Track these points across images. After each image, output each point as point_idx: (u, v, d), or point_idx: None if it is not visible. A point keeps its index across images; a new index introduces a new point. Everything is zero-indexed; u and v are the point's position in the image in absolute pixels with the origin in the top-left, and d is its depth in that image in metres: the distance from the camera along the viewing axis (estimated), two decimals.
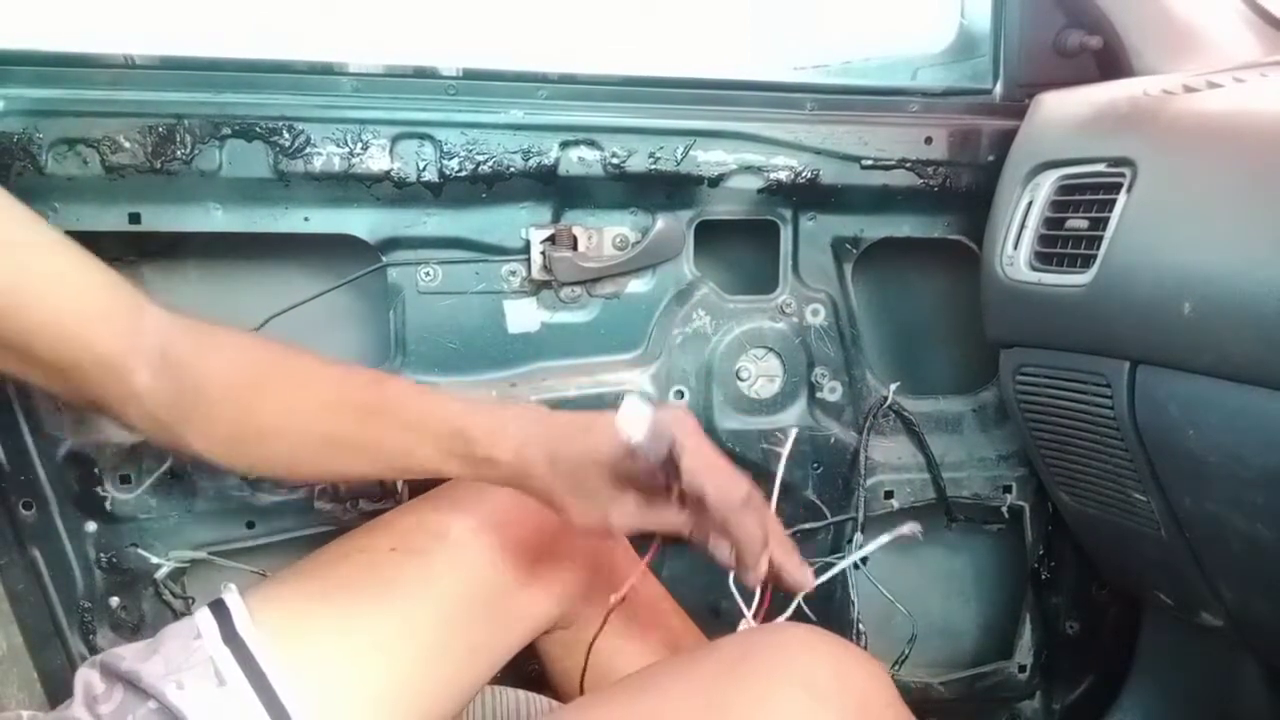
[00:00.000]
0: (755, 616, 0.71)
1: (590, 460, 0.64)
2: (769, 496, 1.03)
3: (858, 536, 1.02)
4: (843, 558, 0.93)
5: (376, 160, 0.88)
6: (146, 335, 0.63)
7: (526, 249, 0.95)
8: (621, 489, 0.64)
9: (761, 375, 1.01)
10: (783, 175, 0.96)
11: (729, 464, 0.64)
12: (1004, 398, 0.99)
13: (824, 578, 0.79)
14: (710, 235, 1.02)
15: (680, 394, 1.00)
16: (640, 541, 0.75)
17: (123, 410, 0.64)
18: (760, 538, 0.63)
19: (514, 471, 0.65)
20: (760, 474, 1.01)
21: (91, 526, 0.90)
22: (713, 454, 0.63)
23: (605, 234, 0.97)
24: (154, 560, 0.91)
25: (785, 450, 0.79)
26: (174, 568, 0.91)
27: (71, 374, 0.62)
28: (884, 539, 0.77)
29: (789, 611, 0.72)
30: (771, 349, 1.01)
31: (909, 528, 0.76)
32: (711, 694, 0.58)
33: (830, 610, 1.00)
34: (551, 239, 0.95)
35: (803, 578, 0.66)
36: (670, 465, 0.62)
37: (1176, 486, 0.80)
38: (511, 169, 0.91)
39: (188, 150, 0.85)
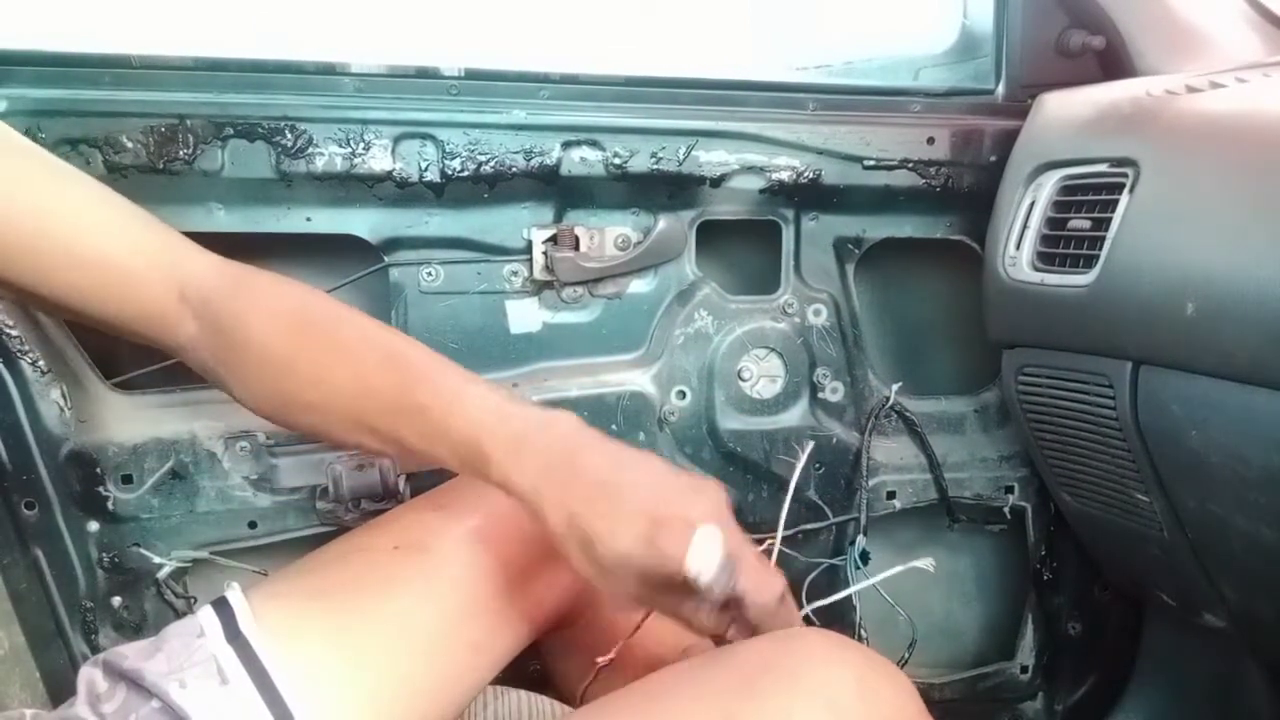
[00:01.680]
0: None
1: (607, 545, 0.58)
2: (777, 500, 1.04)
3: (860, 539, 1.02)
4: (848, 571, 0.93)
5: (379, 160, 0.88)
6: (190, 290, 0.65)
7: (528, 249, 0.95)
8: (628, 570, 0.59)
9: (763, 375, 1.01)
10: (785, 175, 0.96)
11: (768, 565, 0.62)
12: (1006, 398, 0.98)
13: (835, 596, 0.80)
14: (712, 235, 1.02)
15: (682, 394, 1.00)
16: None
17: (182, 355, 0.68)
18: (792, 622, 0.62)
19: (528, 501, 0.61)
20: (762, 474, 1.02)
21: (94, 526, 0.90)
22: (757, 563, 0.60)
23: (607, 234, 0.97)
24: (156, 560, 0.91)
25: (800, 462, 0.79)
26: (176, 567, 0.91)
27: (121, 326, 0.66)
28: (895, 570, 0.77)
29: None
30: (773, 349, 1.01)
31: (924, 563, 0.76)
32: (729, 706, 0.56)
33: (832, 610, 1.00)
34: (553, 239, 0.95)
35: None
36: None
37: (1179, 487, 0.80)
38: (513, 169, 0.91)
39: (190, 150, 0.85)
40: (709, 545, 0.56)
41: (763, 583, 0.59)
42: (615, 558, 0.58)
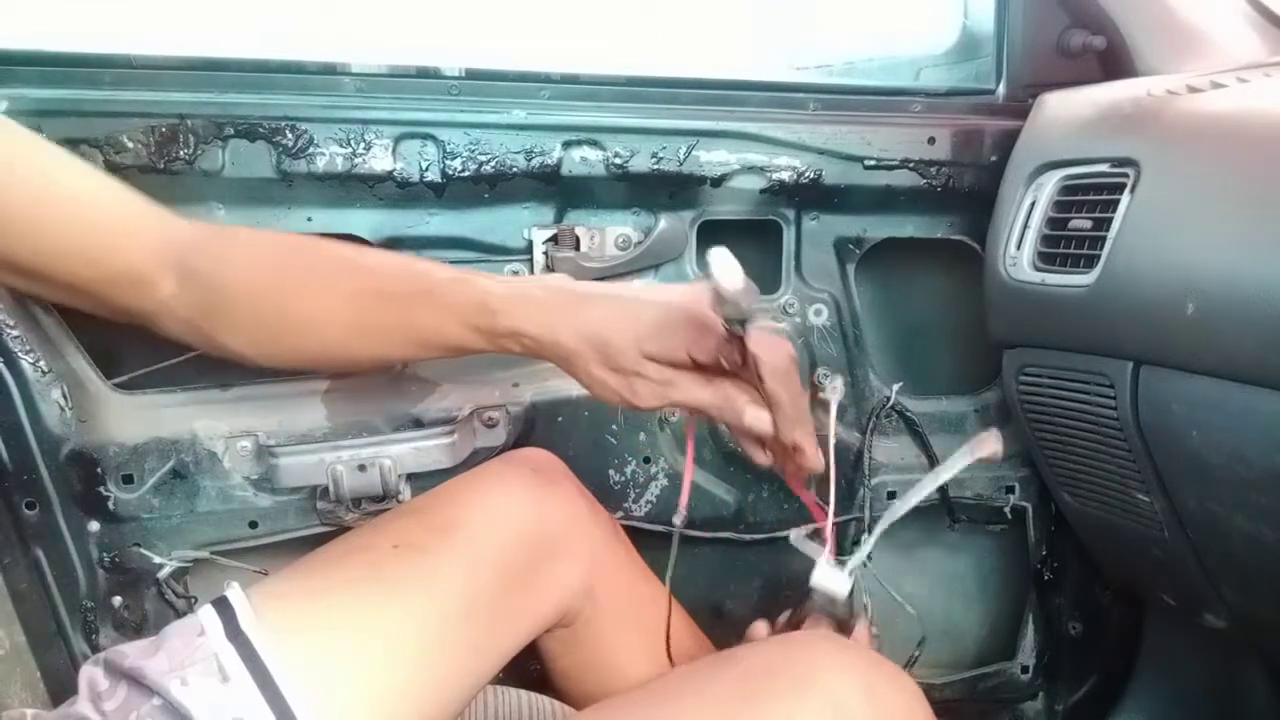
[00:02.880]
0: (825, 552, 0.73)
1: (622, 331, 0.64)
2: (778, 499, 1.04)
3: (865, 538, 1.01)
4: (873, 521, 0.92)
5: (379, 160, 0.88)
6: (170, 247, 0.66)
7: (529, 249, 0.95)
8: (648, 364, 0.64)
9: None
10: (785, 175, 0.96)
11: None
12: (1007, 398, 0.98)
13: (870, 541, 0.78)
14: (713, 235, 1.02)
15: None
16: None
17: (155, 319, 0.68)
18: (801, 406, 0.64)
19: (539, 343, 0.65)
20: (762, 474, 1.02)
21: (94, 526, 0.90)
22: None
23: (608, 234, 0.97)
24: (157, 560, 0.91)
25: (833, 406, 0.82)
26: (176, 567, 0.91)
27: (103, 289, 0.67)
28: (931, 482, 0.75)
29: (860, 555, 0.75)
30: None
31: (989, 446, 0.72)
32: (734, 710, 0.56)
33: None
34: (554, 239, 0.95)
35: (818, 460, 0.67)
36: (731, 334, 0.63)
37: (1180, 487, 0.80)
38: (514, 169, 0.91)
39: (191, 150, 0.85)
40: (725, 259, 0.58)
41: (773, 344, 0.63)
42: (632, 347, 0.63)
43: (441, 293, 0.66)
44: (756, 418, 0.65)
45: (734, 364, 0.65)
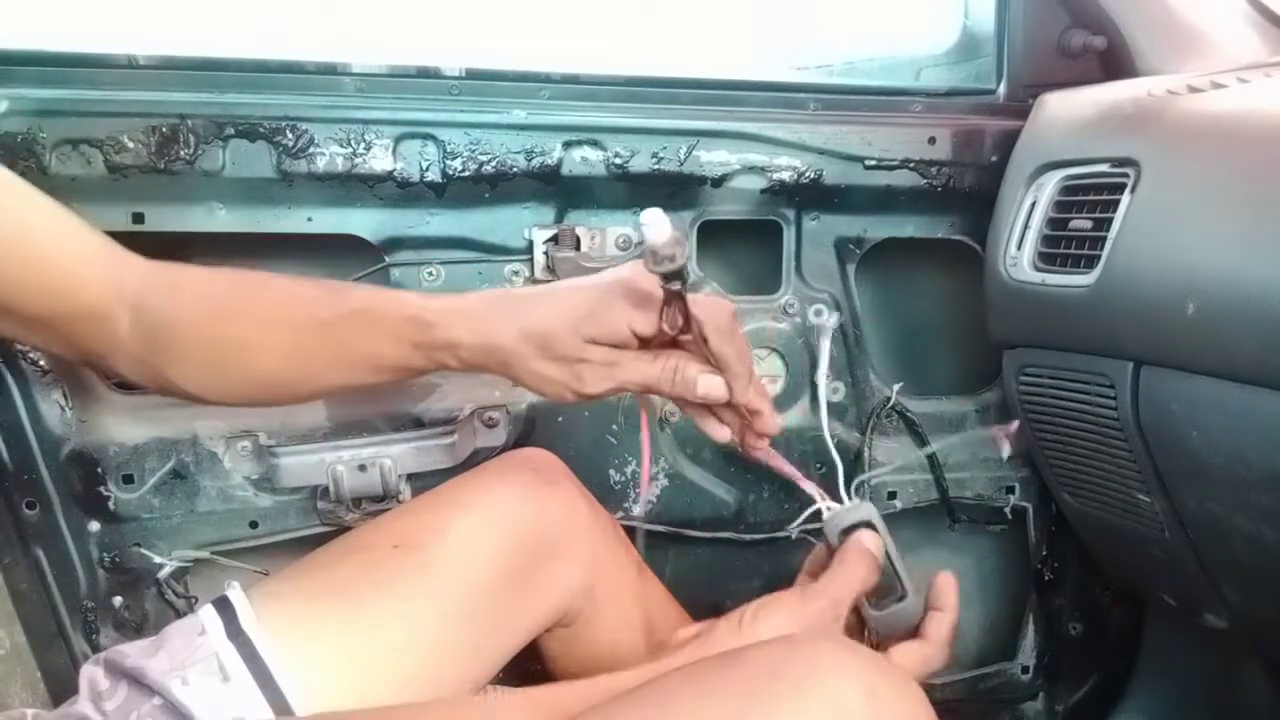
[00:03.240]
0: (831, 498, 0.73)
1: (561, 319, 0.64)
2: (778, 499, 1.03)
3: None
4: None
5: (379, 160, 0.88)
6: (127, 286, 0.66)
7: (529, 249, 0.95)
8: (591, 348, 0.64)
9: (764, 375, 1.01)
10: (786, 175, 0.96)
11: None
12: (1007, 398, 0.98)
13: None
14: (713, 235, 1.02)
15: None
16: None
17: (112, 359, 0.68)
18: (749, 364, 0.66)
19: (476, 350, 0.65)
20: (763, 474, 1.02)
21: (95, 526, 0.90)
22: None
23: (608, 234, 0.97)
24: (157, 560, 0.91)
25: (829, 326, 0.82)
26: (177, 567, 0.91)
27: (62, 328, 0.66)
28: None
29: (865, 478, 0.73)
30: (774, 349, 1.01)
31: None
32: (736, 711, 0.55)
33: None
34: (554, 239, 0.95)
35: (775, 420, 0.69)
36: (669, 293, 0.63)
37: (1180, 487, 0.80)
38: (514, 169, 0.91)
39: (191, 150, 0.85)
40: (656, 217, 0.59)
41: (714, 303, 0.64)
42: (573, 334, 0.63)
43: (374, 311, 0.66)
44: (710, 384, 0.65)
45: (676, 327, 0.65)
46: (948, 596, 0.73)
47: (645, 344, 0.66)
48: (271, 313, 0.67)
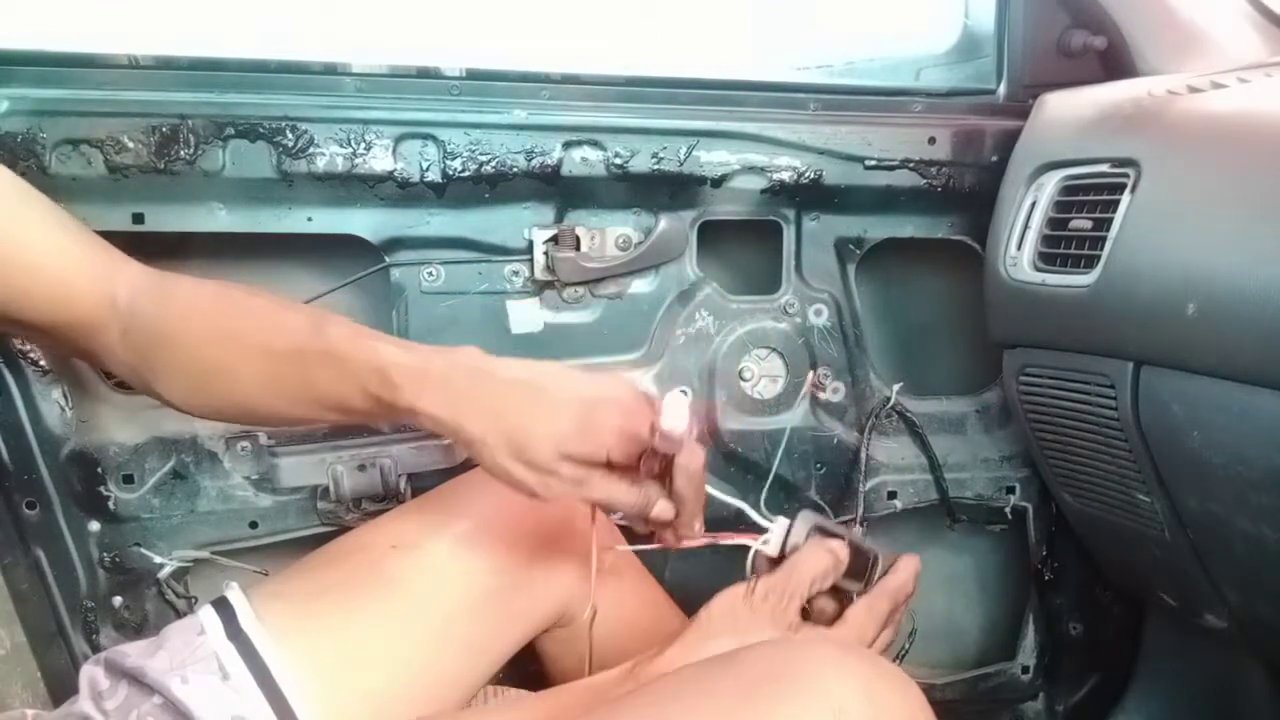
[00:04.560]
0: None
1: (541, 429, 0.61)
2: (778, 499, 1.04)
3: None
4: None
5: (380, 160, 0.88)
6: (120, 297, 0.67)
7: (529, 249, 0.95)
8: (564, 464, 0.62)
9: (764, 375, 1.01)
10: (786, 175, 0.96)
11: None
12: (1007, 398, 0.98)
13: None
14: (713, 235, 1.02)
15: (683, 394, 0.99)
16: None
17: (106, 361, 0.69)
18: (704, 501, 0.68)
19: (442, 426, 0.62)
20: (763, 474, 1.02)
21: (95, 526, 0.90)
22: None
23: (608, 234, 0.97)
24: (157, 560, 0.91)
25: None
26: (177, 567, 0.92)
27: (56, 333, 0.68)
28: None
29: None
30: (774, 349, 1.01)
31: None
32: (736, 710, 0.56)
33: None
34: (554, 239, 0.95)
35: (697, 529, 0.69)
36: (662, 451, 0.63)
37: (1180, 488, 0.80)
38: (514, 169, 0.91)
39: (191, 150, 0.85)
40: (678, 407, 0.60)
41: (695, 452, 0.64)
42: (551, 446, 0.60)
43: (343, 356, 0.63)
44: (664, 509, 0.66)
45: (653, 473, 0.65)
46: (906, 567, 0.76)
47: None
48: (253, 337, 0.66)
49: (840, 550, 0.70)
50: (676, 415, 0.60)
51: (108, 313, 0.67)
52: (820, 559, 0.69)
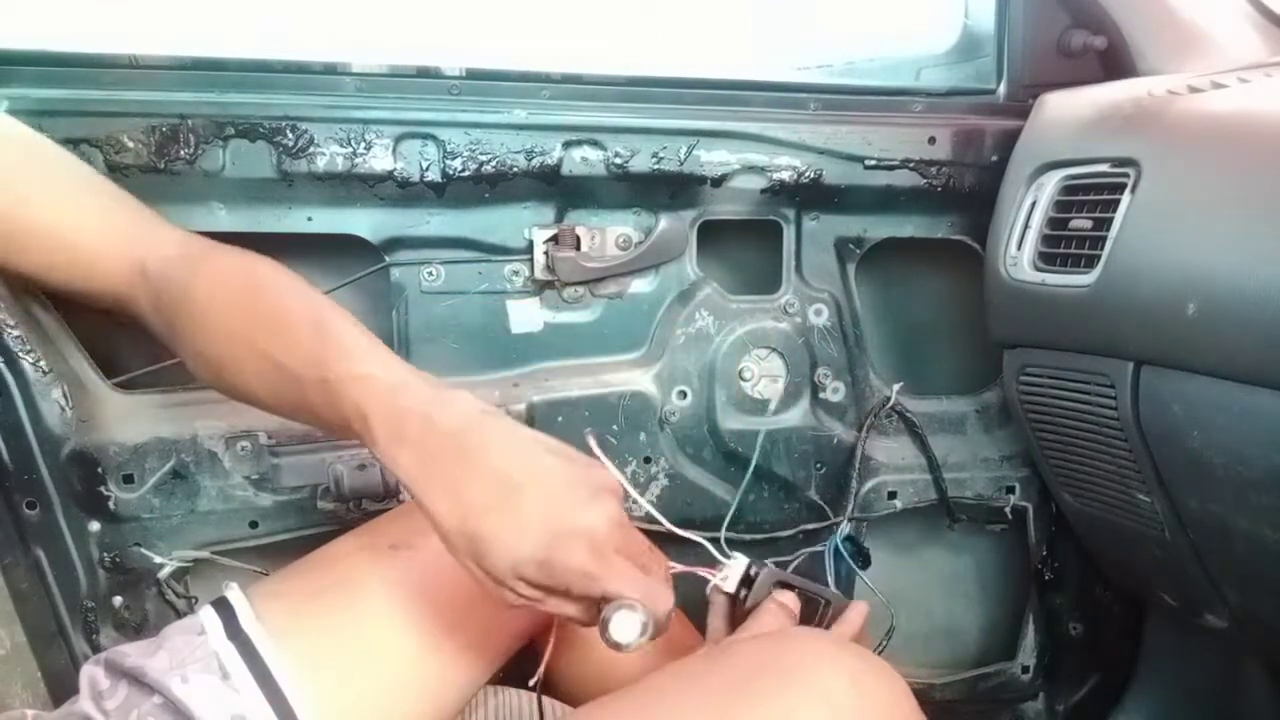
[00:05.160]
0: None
1: (505, 545, 0.56)
2: (778, 499, 1.04)
3: (845, 526, 1.01)
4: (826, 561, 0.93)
5: (380, 160, 0.88)
6: (150, 264, 0.70)
7: (529, 249, 0.95)
8: (522, 584, 0.57)
9: (764, 375, 1.01)
10: (786, 175, 0.96)
11: (657, 558, 0.66)
12: (1007, 398, 0.98)
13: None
14: (713, 235, 1.02)
15: (683, 394, 1.00)
16: None
17: (146, 326, 0.73)
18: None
19: (411, 488, 0.59)
20: (763, 474, 1.02)
21: (95, 526, 0.90)
22: (651, 567, 0.62)
23: (608, 234, 0.97)
24: (157, 560, 0.91)
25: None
26: (177, 567, 0.91)
27: (88, 298, 0.73)
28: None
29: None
30: (774, 349, 1.01)
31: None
32: (727, 706, 0.57)
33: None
34: (554, 239, 0.95)
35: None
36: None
37: (1180, 487, 0.80)
38: (515, 169, 0.91)
39: (191, 150, 0.85)
40: (628, 621, 0.57)
41: (656, 594, 0.58)
42: (508, 567, 0.56)
43: (335, 389, 0.61)
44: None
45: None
46: (854, 614, 0.76)
47: None
48: (260, 344, 0.65)
49: (792, 603, 0.72)
50: (627, 629, 0.57)
51: (136, 281, 0.70)
52: (774, 619, 0.71)
